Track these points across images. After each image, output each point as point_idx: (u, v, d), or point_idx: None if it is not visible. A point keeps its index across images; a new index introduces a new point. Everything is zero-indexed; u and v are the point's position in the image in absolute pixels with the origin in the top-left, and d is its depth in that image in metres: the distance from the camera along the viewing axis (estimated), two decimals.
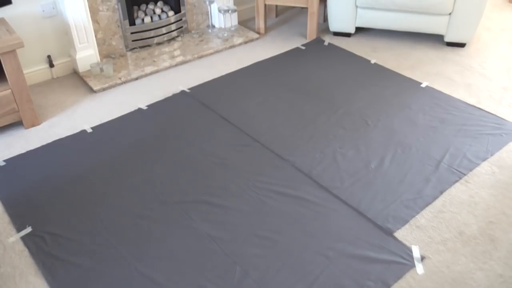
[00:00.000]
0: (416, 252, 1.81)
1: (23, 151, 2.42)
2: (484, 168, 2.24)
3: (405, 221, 1.96)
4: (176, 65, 3.21)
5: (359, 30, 3.59)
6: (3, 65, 2.37)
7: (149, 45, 3.37)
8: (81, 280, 1.74)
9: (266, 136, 2.49)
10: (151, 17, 3.33)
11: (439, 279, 1.72)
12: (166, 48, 3.37)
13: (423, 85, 2.92)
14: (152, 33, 3.33)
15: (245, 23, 3.82)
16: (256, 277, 1.73)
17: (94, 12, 3.01)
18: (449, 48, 3.36)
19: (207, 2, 3.49)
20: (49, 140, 2.50)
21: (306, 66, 3.16)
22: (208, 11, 3.61)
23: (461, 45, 3.35)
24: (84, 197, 2.11)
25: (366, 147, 2.39)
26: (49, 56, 3.00)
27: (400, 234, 1.91)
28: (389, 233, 1.90)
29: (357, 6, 3.34)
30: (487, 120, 2.58)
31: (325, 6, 3.69)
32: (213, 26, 3.67)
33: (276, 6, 3.90)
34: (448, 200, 2.07)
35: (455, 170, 2.22)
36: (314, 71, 3.10)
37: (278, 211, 2.01)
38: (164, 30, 3.38)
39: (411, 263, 1.78)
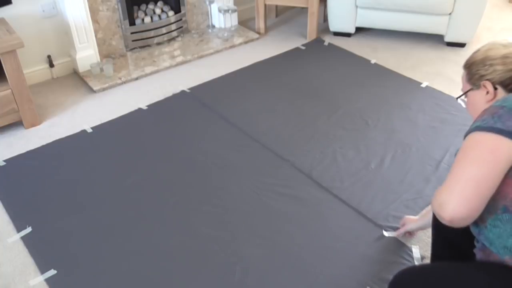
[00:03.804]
0: (416, 252, 1.81)
1: (23, 151, 2.42)
2: None
3: None
4: (176, 65, 3.21)
5: (359, 30, 3.59)
6: (3, 65, 2.37)
7: (149, 45, 3.37)
8: (81, 280, 1.74)
9: (266, 136, 2.49)
10: (151, 17, 3.33)
11: None
12: (166, 48, 3.37)
13: (423, 85, 2.92)
14: (152, 33, 3.33)
15: (245, 23, 3.82)
16: (256, 277, 1.73)
17: (94, 12, 3.01)
18: (449, 48, 3.35)
19: (207, 2, 3.49)
20: (49, 140, 2.49)
21: (306, 66, 3.16)
22: (208, 11, 3.61)
23: (461, 45, 3.35)
24: (84, 197, 2.11)
25: (366, 147, 2.39)
26: (49, 56, 3.00)
27: None
28: None
29: (357, 6, 3.34)
30: None
31: (325, 6, 3.68)
32: (213, 26, 3.67)
33: (276, 6, 3.90)
34: None
35: None
36: (314, 71, 3.10)
37: (278, 211, 2.01)
38: (164, 30, 3.38)
39: (411, 263, 1.78)
